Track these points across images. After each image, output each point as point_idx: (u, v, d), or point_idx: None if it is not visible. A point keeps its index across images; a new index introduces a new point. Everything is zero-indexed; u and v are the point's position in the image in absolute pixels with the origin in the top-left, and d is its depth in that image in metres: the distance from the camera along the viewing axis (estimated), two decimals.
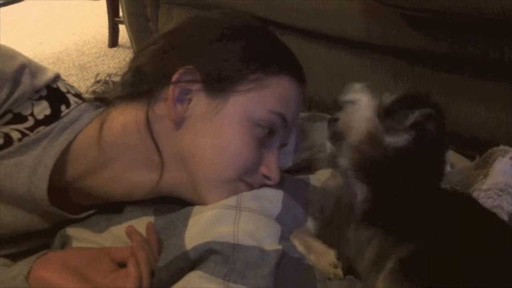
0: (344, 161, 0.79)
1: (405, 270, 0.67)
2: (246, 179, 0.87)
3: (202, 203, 0.86)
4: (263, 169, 0.88)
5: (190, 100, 0.85)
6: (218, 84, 0.85)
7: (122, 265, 0.79)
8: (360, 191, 0.79)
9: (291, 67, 0.91)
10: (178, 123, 0.85)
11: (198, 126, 0.85)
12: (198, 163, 0.85)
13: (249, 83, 0.85)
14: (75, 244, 0.90)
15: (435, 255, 0.67)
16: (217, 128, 0.85)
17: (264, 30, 0.96)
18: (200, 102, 0.85)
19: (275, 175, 0.89)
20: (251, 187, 0.88)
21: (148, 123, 0.84)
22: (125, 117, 0.87)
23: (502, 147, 0.93)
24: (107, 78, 0.97)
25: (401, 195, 0.76)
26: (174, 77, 0.84)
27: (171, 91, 0.84)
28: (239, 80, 0.85)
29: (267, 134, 0.87)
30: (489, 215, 0.80)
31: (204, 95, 0.85)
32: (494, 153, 0.92)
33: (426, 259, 0.67)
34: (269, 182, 0.89)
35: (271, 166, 0.88)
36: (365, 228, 0.77)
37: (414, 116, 0.76)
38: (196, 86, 0.85)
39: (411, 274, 0.67)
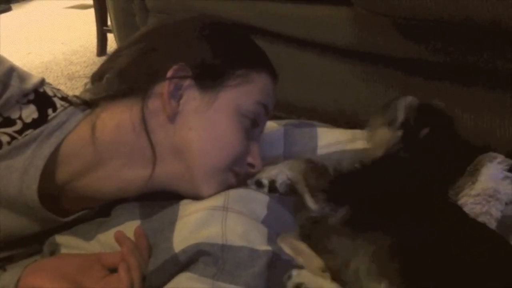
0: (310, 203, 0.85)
1: (388, 256, 0.69)
2: (235, 168, 0.91)
3: (196, 193, 0.89)
4: (248, 158, 0.93)
5: (181, 96, 0.88)
6: (209, 79, 0.89)
7: (113, 270, 0.79)
8: (334, 211, 0.83)
9: (268, 64, 0.98)
10: (172, 117, 0.87)
11: (192, 120, 0.88)
12: (195, 154, 0.87)
13: (237, 78, 0.91)
14: (64, 251, 0.89)
15: (420, 245, 0.69)
16: (211, 121, 0.89)
17: (241, 30, 1.01)
18: (192, 97, 0.88)
19: (258, 162, 0.94)
20: (238, 176, 0.92)
21: (143, 119, 0.86)
22: (118, 116, 0.88)
23: (490, 153, 0.94)
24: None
25: (381, 203, 0.80)
26: (169, 73, 0.87)
27: (166, 87, 0.87)
28: (228, 76, 0.90)
29: (252, 124, 0.92)
30: (472, 220, 0.81)
31: (196, 91, 0.89)
32: (483, 160, 0.93)
33: (411, 248, 0.69)
34: (253, 170, 0.94)
35: (255, 154, 0.94)
36: (350, 238, 0.79)
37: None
38: (187, 82, 0.88)
39: (393, 261, 0.68)
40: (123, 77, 0.90)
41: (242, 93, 0.91)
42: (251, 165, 0.93)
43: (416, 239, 0.72)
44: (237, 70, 0.91)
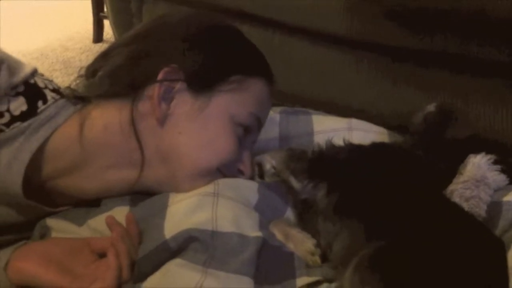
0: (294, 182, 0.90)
1: (370, 266, 0.69)
2: (224, 170, 0.90)
3: None
4: (239, 165, 0.92)
5: (172, 99, 0.87)
6: (202, 83, 0.87)
7: (102, 255, 0.79)
8: (317, 188, 0.86)
9: (265, 71, 0.96)
10: (162, 120, 0.86)
11: (182, 124, 0.87)
12: (183, 159, 0.86)
13: (230, 84, 0.89)
14: (54, 235, 0.89)
15: (400, 251, 0.70)
16: (202, 126, 0.87)
17: (239, 33, 0.98)
18: (183, 101, 0.87)
19: (248, 170, 0.93)
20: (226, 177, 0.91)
21: (133, 121, 0.85)
22: (107, 116, 0.87)
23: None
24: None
25: (365, 191, 0.82)
26: (160, 76, 0.85)
27: (156, 90, 0.85)
28: (221, 81, 0.88)
29: (244, 132, 0.91)
30: (456, 209, 0.82)
31: (188, 94, 0.87)
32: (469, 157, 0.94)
33: (391, 255, 0.70)
34: (242, 177, 0.93)
35: (246, 162, 0.93)
36: (332, 222, 0.81)
37: None
38: (179, 85, 0.86)
39: (375, 271, 0.69)
40: (114, 78, 0.89)
41: (235, 100, 0.89)
42: (241, 172, 0.93)
43: (389, 227, 0.74)
44: (232, 76, 0.89)
